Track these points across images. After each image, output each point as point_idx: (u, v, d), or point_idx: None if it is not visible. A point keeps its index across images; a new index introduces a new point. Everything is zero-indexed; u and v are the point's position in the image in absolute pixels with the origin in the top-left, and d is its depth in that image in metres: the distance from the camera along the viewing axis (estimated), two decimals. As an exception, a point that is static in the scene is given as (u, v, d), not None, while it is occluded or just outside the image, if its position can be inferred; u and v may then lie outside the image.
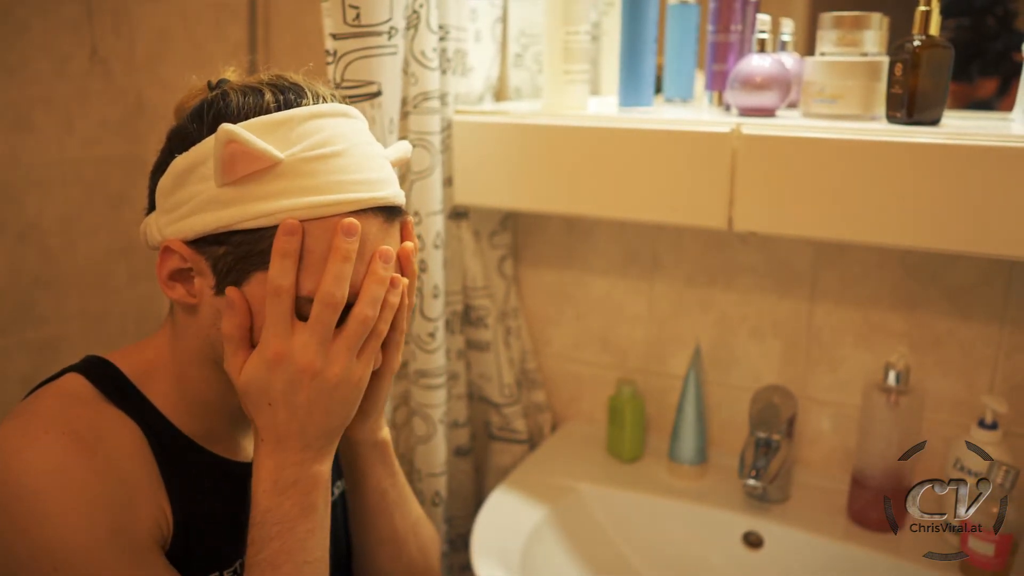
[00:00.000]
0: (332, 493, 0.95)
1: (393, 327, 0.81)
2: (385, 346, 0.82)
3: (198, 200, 0.72)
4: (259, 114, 0.73)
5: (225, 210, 0.71)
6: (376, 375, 0.83)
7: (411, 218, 0.82)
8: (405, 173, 1.20)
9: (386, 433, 0.90)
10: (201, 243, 0.73)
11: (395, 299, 0.76)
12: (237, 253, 0.72)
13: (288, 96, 0.74)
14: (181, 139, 0.74)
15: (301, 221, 0.70)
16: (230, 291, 0.73)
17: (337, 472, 0.97)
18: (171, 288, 0.75)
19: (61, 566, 0.68)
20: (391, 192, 0.76)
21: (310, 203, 0.70)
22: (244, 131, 0.68)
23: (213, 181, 0.71)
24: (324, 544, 0.76)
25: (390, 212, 0.76)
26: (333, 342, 0.72)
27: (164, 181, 0.75)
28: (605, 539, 1.28)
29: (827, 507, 1.24)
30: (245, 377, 0.73)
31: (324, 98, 0.76)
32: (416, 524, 0.96)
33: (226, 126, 0.68)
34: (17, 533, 0.68)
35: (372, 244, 0.74)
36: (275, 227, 0.70)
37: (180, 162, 0.73)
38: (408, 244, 0.80)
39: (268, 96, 0.73)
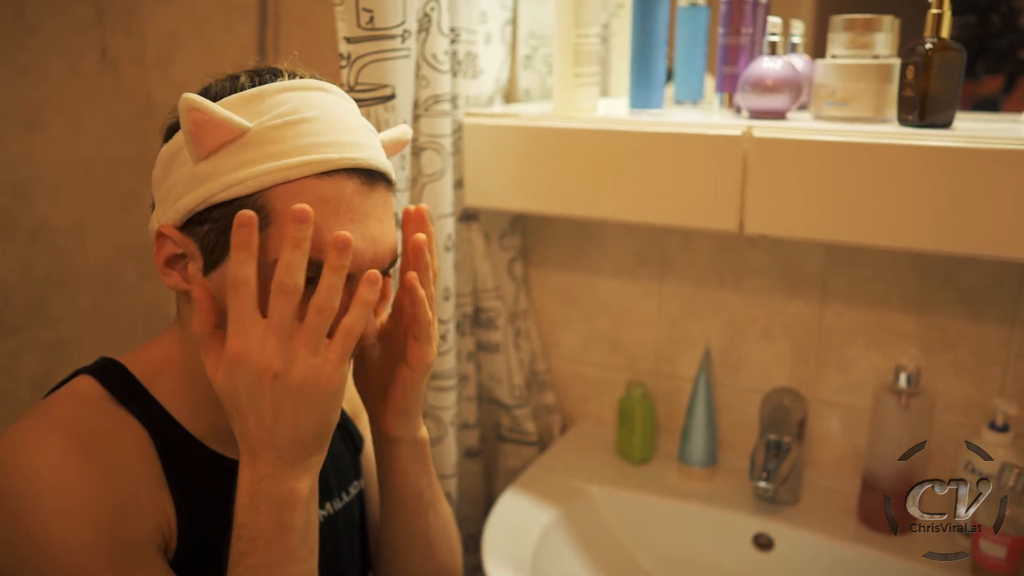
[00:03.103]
0: (348, 493, 0.96)
1: (416, 320, 0.80)
2: (415, 340, 0.81)
3: (181, 183, 0.72)
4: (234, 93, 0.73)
5: (202, 186, 0.71)
6: (410, 370, 0.82)
7: (425, 206, 0.81)
8: (416, 176, 1.20)
9: (424, 432, 0.88)
10: (189, 225, 0.73)
11: (371, 296, 0.70)
12: (218, 228, 0.71)
13: (264, 77, 0.74)
14: (168, 132, 0.75)
15: (270, 187, 0.69)
16: (195, 288, 0.72)
17: (355, 472, 0.98)
18: (168, 275, 0.75)
19: (56, 567, 0.68)
20: (367, 155, 0.73)
21: (276, 167, 0.69)
22: (205, 100, 0.69)
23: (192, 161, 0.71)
24: (304, 566, 0.72)
25: (369, 176, 0.73)
26: (293, 338, 0.68)
27: (155, 173, 0.76)
28: (615, 541, 1.28)
29: (837, 509, 1.24)
30: (218, 381, 0.70)
31: (302, 77, 0.76)
32: (447, 525, 0.95)
33: (187, 95, 0.68)
34: (16, 532, 0.69)
35: (347, 206, 0.71)
36: (249, 196, 0.69)
37: (164, 151, 0.74)
38: (420, 236, 0.79)
39: (244, 79, 0.74)
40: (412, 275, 0.79)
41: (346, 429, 0.99)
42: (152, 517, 0.75)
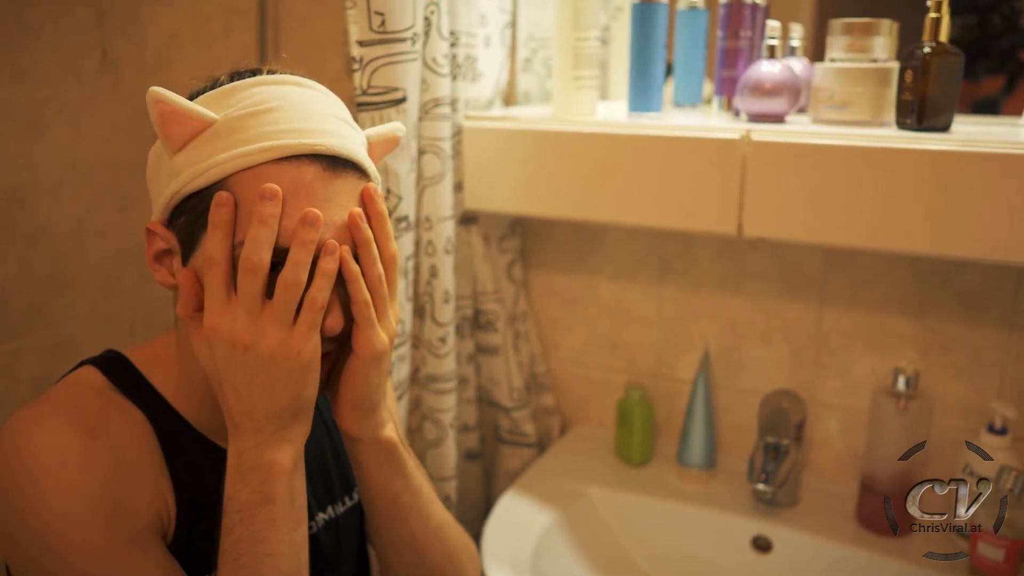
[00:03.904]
0: (351, 498, 0.95)
1: (351, 300, 0.75)
2: (356, 324, 0.76)
3: (162, 178, 0.74)
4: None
5: (176, 177, 0.72)
6: (357, 359, 0.77)
7: (373, 185, 0.77)
8: (417, 179, 1.20)
9: (390, 431, 0.84)
10: (171, 219, 0.75)
11: (331, 266, 0.70)
12: (189, 219, 0.72)
13: (243, 75, 0.75)
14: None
15: (232, 174, 0.70)
16: (180, 272, 0.73)
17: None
18: (157, 271, 0.77)
19: (53, 545, 0.69)
20: (329, 141, 0.72)
21: (236, 154, 0.70)
22: (171, 93, 0.70)
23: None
24: (290, 538, 0.72)
25: (332, 162, 0.72)
26: (262, 312, 0.69)
27: (147, 173, 0.77)
28: (614, 543, 1.28)
29: (836, 511, 1.25)
30: (201, 358, 0.72)
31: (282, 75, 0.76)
32: (440, 529, 0.91)
33: (154, 88, 0.70)
34: (16, 512, 0.70)
35: (307, 191, 0.70)
36: (213, 184, 0.70)
37: (152, 151, 0.76)
38: (355, 209, 0.73)
39: (223, 78, 0.76)
40: (344, 248, 0.73)
41: None
42: (152, 502, 0.76)
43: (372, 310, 0.76)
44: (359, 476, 0.87)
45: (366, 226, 0.75)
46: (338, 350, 0.79)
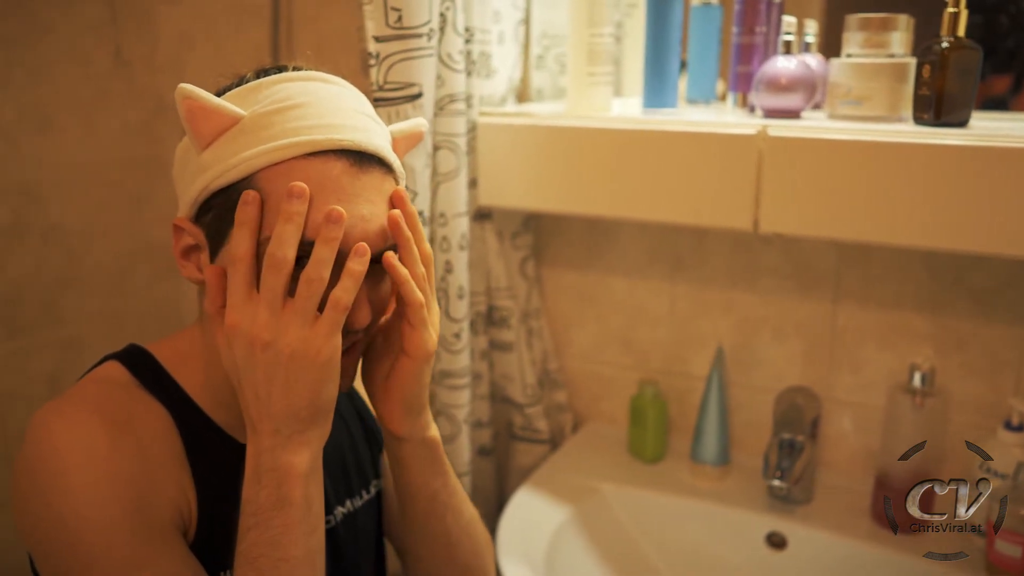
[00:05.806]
0: (368, 491, 0.96)
1: (404, 302, 0.76)
2: (409, 325, 0.77)
3: (189, 174, 0.74)
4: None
5: (203, 174, 0.72)
6: (409, 359, 0.78)
7: (402, 187, 0.78)
8: (431, 175, 1.21)
9: (435, 431, 0.85)
10: (198, 215, 0.75)
11: (360, 268, 0.69)
12: (217, 215, 0.73)
13: (269, 72, 0.76)
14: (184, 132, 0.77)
15: (259, 169, 0.70)
16: (207, 268, 0.74)
17: (375, 471, 0.98)
18: (184, 267, 0.77)
19: (75, 541, 0.69)
20: (356, 136, 0.72)
21: (263, 149, 0.70)
22: (199, 89, 0.70)
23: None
24: (306, 542, 0.71)
25: (359, 157, 0.72)
26: (283, 309, 0.69)
27: (174, 170, 0.78)
28: (628, 540, 1.28)
29: (851, 508, 1.24)
30: (223, 356, 0.72)
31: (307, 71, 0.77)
32: (470, 524, 0.93)
33: (182, 85, 0.70)
34: (40, 505, 0.70)
35: (334, 186, 0.70)
36: (242, 180, 0.71)
37: (179, 148, 0.77)
38: (394, 211, 0.75)
39: (250, 75, 0.76)
40: (389, 254, 0.75)
41: (369, 428, 0.99)
42: (174, 498, 0.76)
43: (425, 310, 0.77)
44: (399, 474, 0.87)
45: (406, 227, 0.75)
46: (365, 342, 0.79)
